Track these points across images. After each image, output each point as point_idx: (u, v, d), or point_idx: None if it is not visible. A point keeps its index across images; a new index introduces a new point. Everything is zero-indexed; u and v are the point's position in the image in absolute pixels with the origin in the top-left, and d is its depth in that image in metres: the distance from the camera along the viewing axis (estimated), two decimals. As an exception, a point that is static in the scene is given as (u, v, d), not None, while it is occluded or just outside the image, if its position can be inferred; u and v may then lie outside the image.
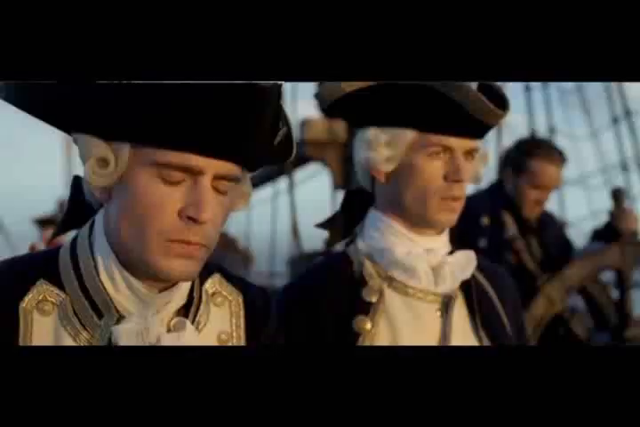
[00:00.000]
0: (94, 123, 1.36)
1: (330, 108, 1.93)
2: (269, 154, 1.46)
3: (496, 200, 3.68)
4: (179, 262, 1.37)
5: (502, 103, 1.88)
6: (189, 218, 1.35)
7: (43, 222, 7.45)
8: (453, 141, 1.88)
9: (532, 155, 3.64)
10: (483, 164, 2.00)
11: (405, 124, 1.89)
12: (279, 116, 1.43)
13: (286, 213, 6.94)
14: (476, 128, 1.90)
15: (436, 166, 1.89)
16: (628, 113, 7.87)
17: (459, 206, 1.92)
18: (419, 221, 1.93)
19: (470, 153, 1.91)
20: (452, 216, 1.92)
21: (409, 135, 1.89)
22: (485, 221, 3.54)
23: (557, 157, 3.70)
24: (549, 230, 3.81)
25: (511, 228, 3.67)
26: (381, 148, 1.90)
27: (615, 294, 3.66)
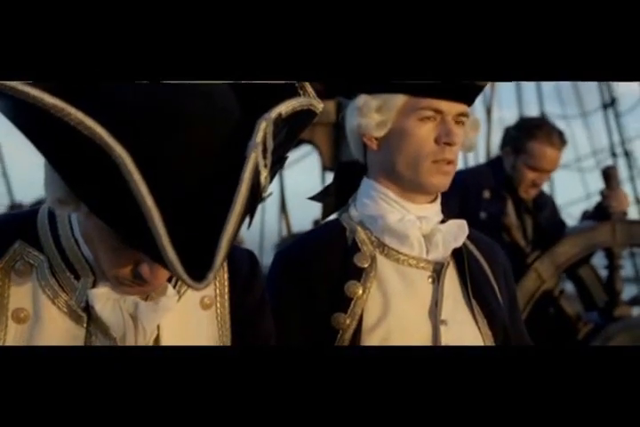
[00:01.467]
0: None
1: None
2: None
3: (497, 175, 3.68)
4: None
5: None
6: None
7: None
8: (443, 105, 1.89)
9: (532, 136, 3.63)
10: (474, 131, 2.01)
11: (395, 89, 1.89)
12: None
13: (276, 194, 6.93)
14: (467, 90, 1.91)
15: (427, 129, 1.90)
16: (613, 100, 7.90)
17: (451, 170, 1.93)
18: (411, 185, 1.93)
19: (460, 118, 1.92)
20: (444, 179, 1.93)
21: (399, 100, 1.90)
22: (487, 194, 3.55)
23: (557, 140, 3.68)
24: (544, 212, 3.82)
25: (508, 205, 3.68)
26: (372, 113, 1.91)
27: (604, 272, 3.67)
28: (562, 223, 4.03)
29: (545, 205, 3.88)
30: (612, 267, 3.54)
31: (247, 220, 1.20)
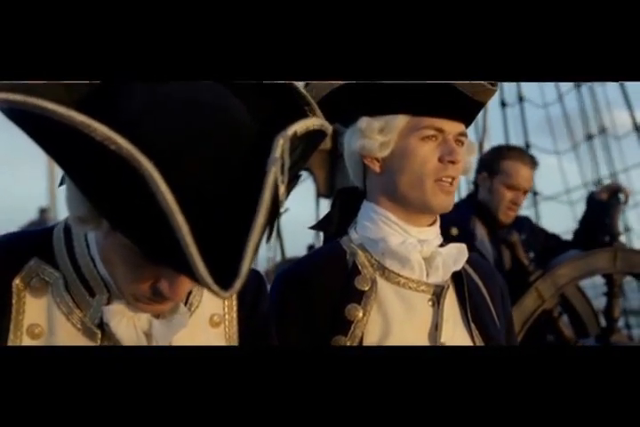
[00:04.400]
0: None
1: (319, 106, 1.94)
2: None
3: (465, 211, 3.77)
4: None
5: None
6: None
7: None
8: (445, 124, 1.90)
9: (505, 157, 3.80)
10: (470, 153, 2.03)
11: (397, 109, 1.91)
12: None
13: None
14: (467, 106, 1.93)
15: (430, 149, 1.91)
16: (602, 130, 7.93)
17: (454, 189, 1.94)
18: (416, 206, 1.94)
19: (460, 138, 1.94)
20: (448, 199, 1.93)
21: (401, 120, 1.91)
22: (454, 231, 3.58)
23: (529, 159, 3.87)
24: (522, 234, 3.85)
25: (481, 233, 3.76)
26: (375, 134, 1.92)
27: (603, 300, 3.68)
28: (554, 236, 4.13)
29: (522, 227, 3.92)
30: (611, 294, 3.54)
31: (267, 233, 1.22)
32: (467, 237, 3.55)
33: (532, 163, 3.86)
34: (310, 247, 5.78)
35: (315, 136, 1.31)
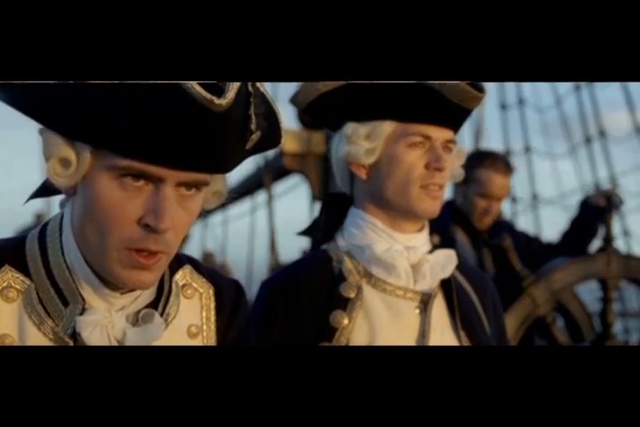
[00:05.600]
0: (57, 120, 1.31)
1: (307, 110, 1.94)
2: (241, 158, 1.39)
3: (444, 219, 3.71)
4: (136, 273, 1.33)
5: (477, 85, 1.89)
6: (147, 226, 1.30)
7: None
8: (432, 131, 1.88)
9: (478, 165, 3.76)
10: (459, 159, 2.00)
11: (384, 115, 1.89)
12: (247, 123, 1.35)
13: (264, 226, 6.92)
14: (455, 114, 1.90)
15: (417, 155, 1.89)
16: (602, 133, 7.90)
17: (441, 195, 1.92)
18: (401, 212, 1.92)
19: (448, 144, 1.91)
20: (434, 204, 1.91)
21: (388, 126, 1.89)
22: (435, 240, 3.57)
23: (503, 166, 3.82)
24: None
25: (462, 240, 3.74)
26: (361, 140, 1.90)
27: (597, 305, 3.66)
28: (536, 239, 4.11)
29: (501, 232, 3.90)
30: (606, 299, 3.51)
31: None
32: (448, 244, 3.54)
33: (507, 170, 3.83)
34: (304, 252, 5.76)
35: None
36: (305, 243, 6.03)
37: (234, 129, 1.32)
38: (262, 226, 7.30)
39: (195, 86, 1.24)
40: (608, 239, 3.56)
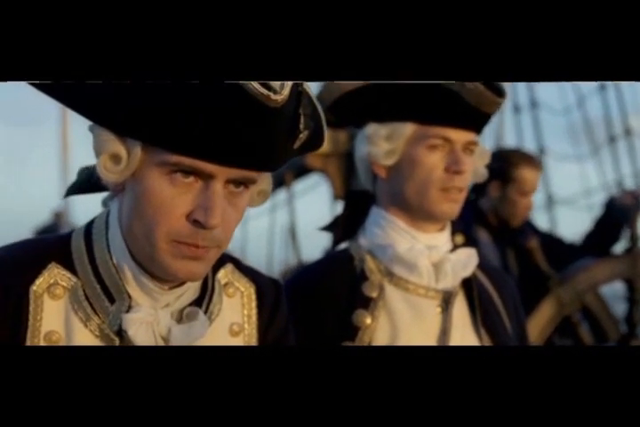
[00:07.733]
0: (109, 117, 1.33)
1: (330, 109, 1.94)
2: (288, 157, 1.41)
3: (468, 219, 3.69)
4: (186, 263, 1.34)
5: (498, 90, 1.89)
6: (197, 222, 1.31)
7: (43, 233, 7.40)
8: (452, 133, 1.89)
9: (516, 164, 3.75)
10: (483, 160, 2.01)
11: (404, 117, 1.90)
12: (297, 122, 1.36)
13: (283, 226, 6.91)
14: (474, 117, 1.91)
15: (436, 158, 1.89)
16: (627, 132, 7.84)
17: (460, 197, 1.93)
18: (420, 213, 1.93)
19: (469, 146, 1.92)
20: (453, 206, 1.92)
21: (408, 128, 1.90)
22: (458, 240, 3.55)
23: (536, 162, 3.88)
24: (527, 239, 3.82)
25: (485, 239, 3.74)
26: (381, 141, 1.92)
27: (623, 306, 3.64)
28: (559, 240, 4.09)
29: (526, 232, 3.87)
30: (632, 299, 3.48)
31: None
32: (469, 243, 3.52)
33: (540, 164, 3.87)
34: (326, 251, 5.74)
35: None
36: (325, 242, 6.02)
37: (285, 127, 1.33)
38: (282, 225, 7.30)
39: (251, 82, 1.25)
40: (634, 240, 3.54)
